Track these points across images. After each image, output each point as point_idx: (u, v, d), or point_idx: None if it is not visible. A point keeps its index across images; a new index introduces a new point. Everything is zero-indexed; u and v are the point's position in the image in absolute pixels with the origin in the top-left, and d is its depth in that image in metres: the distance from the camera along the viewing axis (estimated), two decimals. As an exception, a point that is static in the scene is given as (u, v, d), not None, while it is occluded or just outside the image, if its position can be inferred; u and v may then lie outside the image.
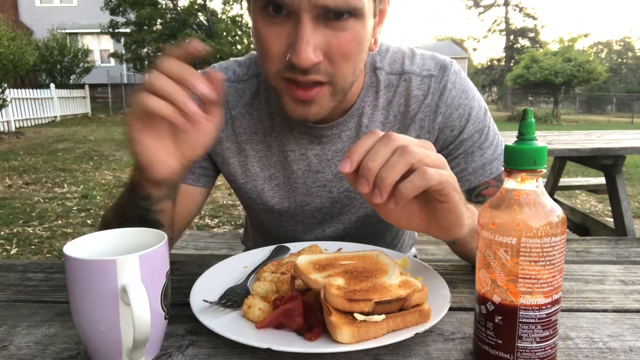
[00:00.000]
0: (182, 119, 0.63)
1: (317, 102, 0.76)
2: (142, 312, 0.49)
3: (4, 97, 10.41)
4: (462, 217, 0.63)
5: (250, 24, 0.81)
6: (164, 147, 0.68)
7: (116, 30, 18.74)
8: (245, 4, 0.88)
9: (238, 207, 4.84)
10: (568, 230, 3.47)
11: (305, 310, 0.58)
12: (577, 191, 5.42)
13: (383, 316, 0.55)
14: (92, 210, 4.73)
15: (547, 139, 3.17)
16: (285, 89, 0.76)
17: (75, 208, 4.79)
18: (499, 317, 0.51)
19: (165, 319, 0.56)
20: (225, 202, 5.07)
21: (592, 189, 4.24)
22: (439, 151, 0.93)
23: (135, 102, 0.64)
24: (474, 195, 0.91)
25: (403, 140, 0.58)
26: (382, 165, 0.57)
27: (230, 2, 19.11)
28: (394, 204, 0.59)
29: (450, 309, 0.63)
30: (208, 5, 18.63)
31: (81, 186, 5.76)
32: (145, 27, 18.26)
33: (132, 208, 0.74)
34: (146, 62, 18.73)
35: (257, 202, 0.98)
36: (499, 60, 44.09)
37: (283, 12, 0.70)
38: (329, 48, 0.72)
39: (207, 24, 18.63)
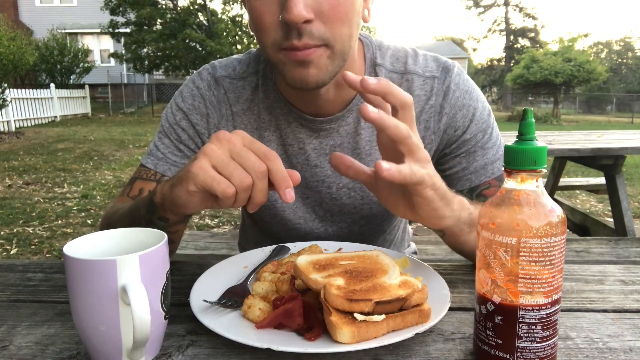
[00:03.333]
0: (231, 205, 0.62)
1: (315, 64, 0.76)
2: (142, 312, 0.49)
3: (4, 97, 10.41)
4: (437, 210, 0.63)
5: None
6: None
7: (116, 30, 18.75)
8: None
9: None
10: (568, 230, 3.47)
11: (305, 310, 0.58)
12: (577, 191, 5.42)
13: (383, 316, 0.55)
14: (92, 210, 4.73)
15: (547, 139, 3.17)
16: (283, 58, 0.76)
17: (75, 208, 4.78)
18: (499, 317, 0.51)
19: (165, 319, 0.56)
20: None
21: (592, 189, 4.24)
22: (442, 150, 0.93)
23: (212, 177, 0.59)
24: (475, 195, 0.91)
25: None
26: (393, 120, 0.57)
27: (230, 2, 19.13)
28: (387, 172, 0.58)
29: (450, 309, 0.63)
30: (208, 5, 18.65)
31: (81, 186, 5.75)
32: (145, 27, 18.28)
33: (147, 223, 0.75)
34: (146, 62, 18.74)
35: None
36: (499, 60, 44.06)
37: None
38: (319, 7, 0.72)
39: (207, 24, 18.64)
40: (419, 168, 0.58)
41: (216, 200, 0.62)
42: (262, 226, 1.08)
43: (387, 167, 0.55)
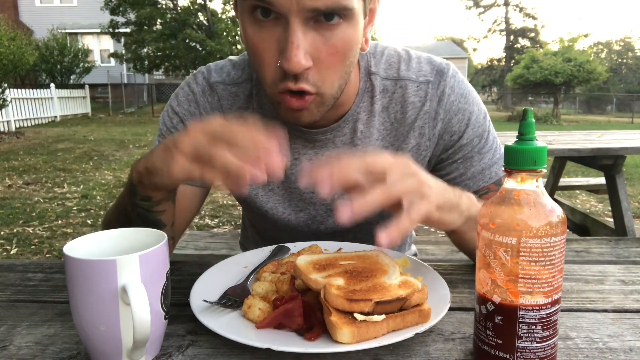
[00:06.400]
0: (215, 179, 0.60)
1: (308, 109, 0.76)
2: (142, 312, 0.49)
3: (4, 97, 10.41)
4: (445, 221, 0.65)
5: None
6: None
7: (116, 30, 18.75)
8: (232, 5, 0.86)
9: (238, 207, 4.84)
10: (568, 230, 3.47)
11: (305, 310, 0.58)
12: (577, 191, 5.42)
13: (383, 316, 0.55)
14: (92, 210, 4.73)
15: (547, 139, 3.17)
16: (280, 100, 0.76)
17: (75, 208, 4.78)
18: (499, 317, 0.51)
19: (165, 319, 0.56)
20: (225, 202, 5.07)
21: (592, 189, 4.24)
22: (438, 155, 0.92)
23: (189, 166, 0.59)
24: None
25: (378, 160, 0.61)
26: (349, 170, 0.60)
27: (230, 2, 19.12)
28: (387, 243, 0.59)
29: (450, 309, 0.63)
30: (208, 5, 18.64)
31: (81, 186, 5.75)
32: (145, 27, 18.27)
33: (132, 208, 0.74)
34: (146, 62, 18.73)
35: (252, 207, 0.97)
36: (499, 60, 44.01)
37: (272, 15, 0.69)
38: (318, 54, 0.71)
39: (207, 24, 18.64)
40: (418, 207, 0.60)
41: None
42: (259, 228, 1.08)
43: (386, 240, 0.58)
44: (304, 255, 0.67)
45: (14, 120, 11.83)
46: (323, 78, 0.73)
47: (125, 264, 0.51)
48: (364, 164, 0.61)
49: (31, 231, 4.07)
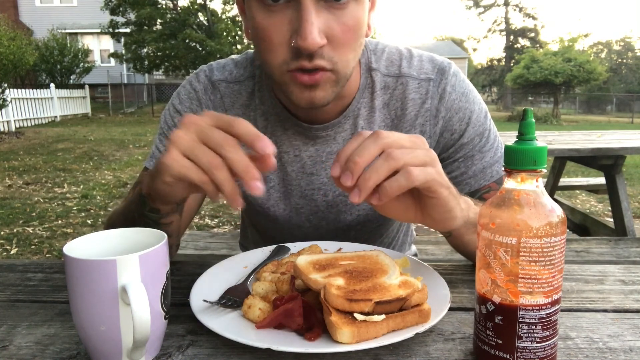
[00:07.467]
0: (215, 192, 0.58)
1: (321, 87, 0.76)
2: (142, 312, 0.49)
3: (4, 97, 10.41)
4: (452, 211, 0.65)
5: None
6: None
7: (116, 30, 18.75)
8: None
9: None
10: (568, 230, 3.47)
11: (305, 310, 0.58)
12: (577, 191, 5.42)
13: (383, 316, 0.55)
14: (92, 210, 4.73)
15: (547, 139, 3.17)
16: (290, 79, 0.75)
17: (75, 208, 4.78)
18: (499, 317, 0.51)
19: (165, 319, 0.56)
20: (225, 202, 5.07)
21: (592, 189, 4.24)
22: (438, 154, 0.92)
23: (174, 159, 0.57)
24: (476, 198, 0.90)
25: (391, 139, 0.59)
26: (369, 161, 0.59)
27: (230, 2, 19.12)
28: (377, 201, 0.60)
29: (450, 309, 0.63)
30: (208, 5, 18.64)
31: (81, 186, 5.75)
32: (145, 27, 18.27)
33: (140, 217, 0.75)
34: (146, 62, 18.74)
35: (253, 205, 0.97)
36: (499, 60, 44.04)
37: None
38: (332, 32, 0.72)
39: (207, 24, 18.64)
40: (424, 169, 0.59)
41: (198, 186, 0.60)
42: (259, 227, 1.08)
43: (356, 195, 0.58)
44: (304, 255, 0.67)
45: (14, 120, 11.83)
46: (338, 55, 0.74)
47: (125, 264, 0.51)
48: (381, 144, 0.60)
49: (31, 231, 4.07)
